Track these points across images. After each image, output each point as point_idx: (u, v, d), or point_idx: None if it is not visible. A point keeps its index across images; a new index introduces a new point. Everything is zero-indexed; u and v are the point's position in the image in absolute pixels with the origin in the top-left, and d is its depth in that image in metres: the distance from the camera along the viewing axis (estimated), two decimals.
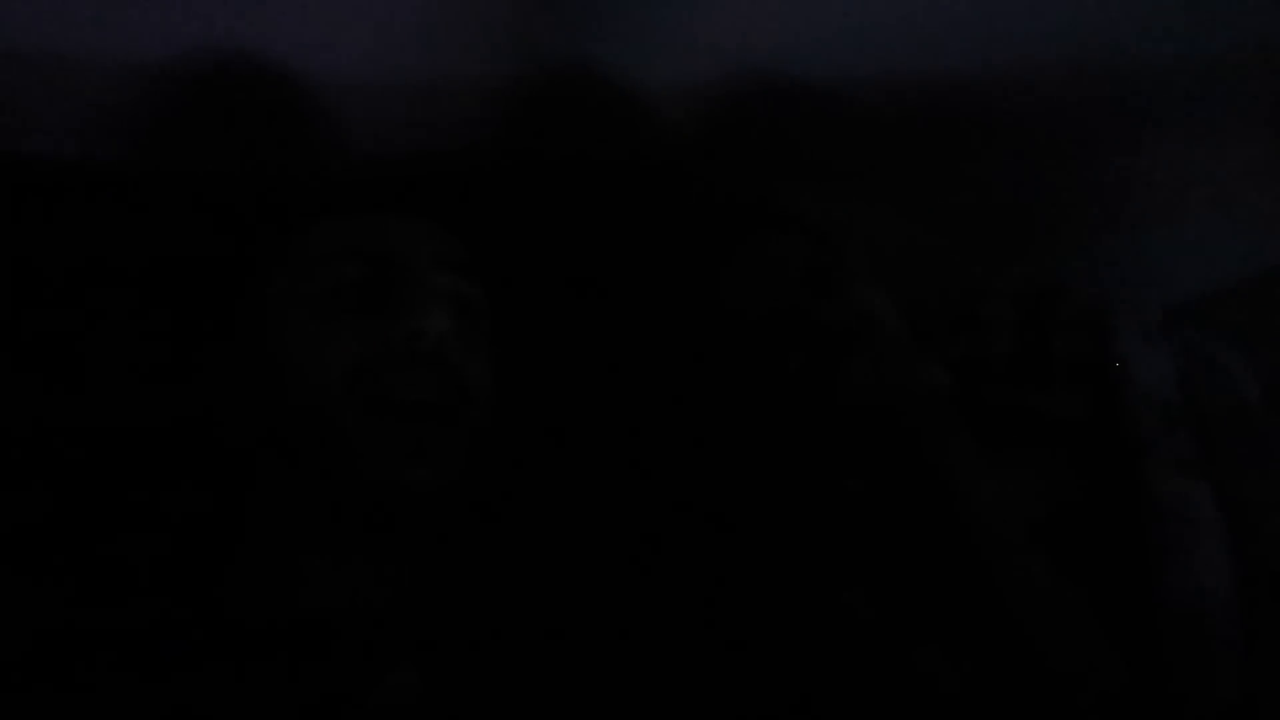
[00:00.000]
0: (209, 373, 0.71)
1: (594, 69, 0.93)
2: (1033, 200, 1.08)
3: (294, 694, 0.58)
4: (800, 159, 0.92)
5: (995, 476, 0.71)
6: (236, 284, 0.72)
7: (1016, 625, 0.66)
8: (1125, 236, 0.98)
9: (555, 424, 0.83)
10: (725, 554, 0.76)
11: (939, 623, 0.70)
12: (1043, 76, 0.98)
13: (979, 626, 0.67)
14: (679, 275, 0.78)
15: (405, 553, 0.66)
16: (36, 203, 0.81)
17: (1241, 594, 0.73)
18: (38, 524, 0.72)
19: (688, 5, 0.91)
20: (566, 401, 0.84)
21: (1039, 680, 0.65)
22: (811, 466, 0.79)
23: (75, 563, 0.71)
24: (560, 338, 0.86)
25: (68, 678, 0.58)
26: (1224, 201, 0.95)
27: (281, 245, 0.71)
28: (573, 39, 0.91)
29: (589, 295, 0.86)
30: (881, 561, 0.75)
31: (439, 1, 0.86)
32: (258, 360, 0.68)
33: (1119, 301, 0.87)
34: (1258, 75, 0.98)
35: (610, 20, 0.91)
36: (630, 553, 0.75)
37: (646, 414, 0.82)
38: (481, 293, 0.72)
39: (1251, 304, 0.98)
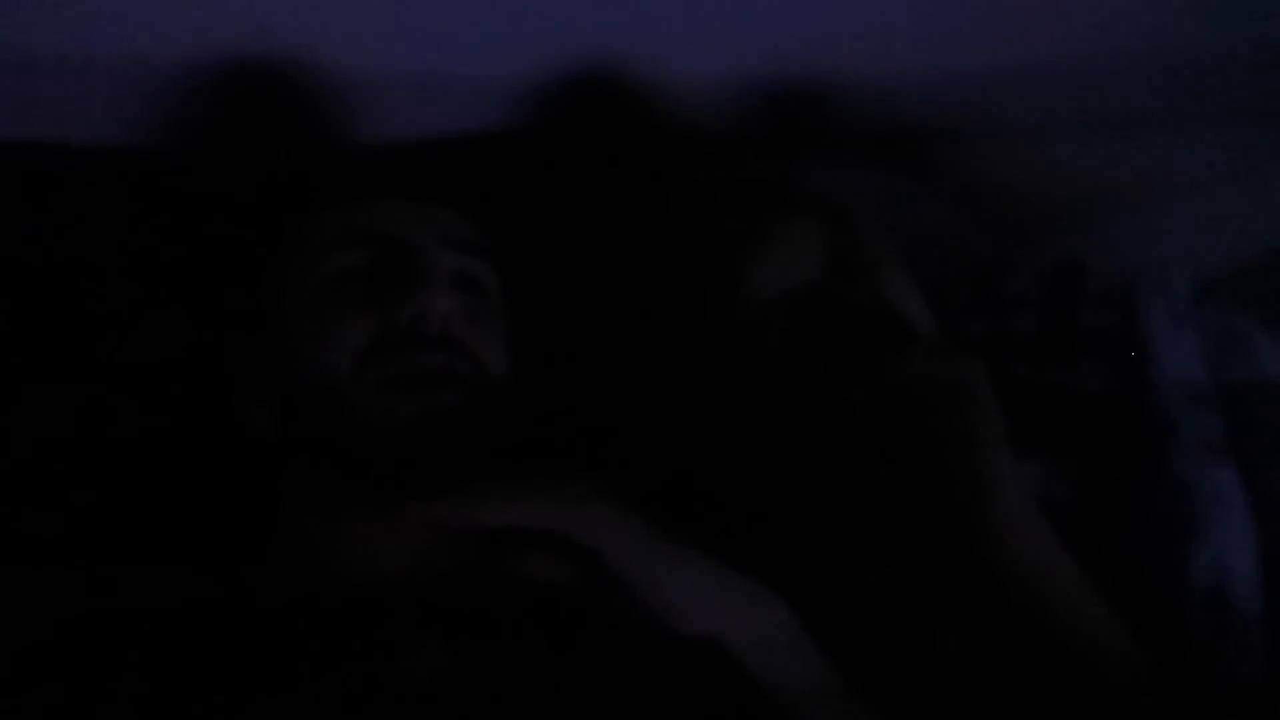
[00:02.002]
0: (233, 359, 0.72)
1: (613, 58, 0.93)
2: (1058, 179, 1.07)
3: (323, 670, 0.59)
4: (823, 143, 0.92)
5: (1021, 455, 0.71)
6: (252, 272, 0.72)
7: (1039, 609, 0.66)
8: (1152, 213, 0.97)
9: (576, 407, 0.84)
10: (750, 537, 0.76)
11: (962, 606, 0.70)
12: (1063, 65, 0.97)
13: (1000, 610, 0.67)
14: (700, 258, 0.78)
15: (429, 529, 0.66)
16: (49, 189, 0.82)
17: (1266, 575, 0.72)
18: (72, 515, 0.74)
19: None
20: (587, 384, 0.85)
21: (1059, 661, 0.65)
22: (836, 452, 0.79)
23: (112, 544, 0.73)
24: (579, 320, 0.87)
25: (104, 659, 0.58)
26: (1251, 178, 0.93)
27: (293, 231, 0.72)
28: (592, 30, 0.90)
29: (609, 278, 0.86)
30: (906, 546, 0.75)
31: None
32: (274, 346, 0.69)
33: (1146, 279, 0.86)
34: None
35: (630, 11, 0.90)
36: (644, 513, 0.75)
37: (670, 398, 0.82)
38: (491, 270, 0.72)
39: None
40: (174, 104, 0.85)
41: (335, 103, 0.88)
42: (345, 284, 0.67)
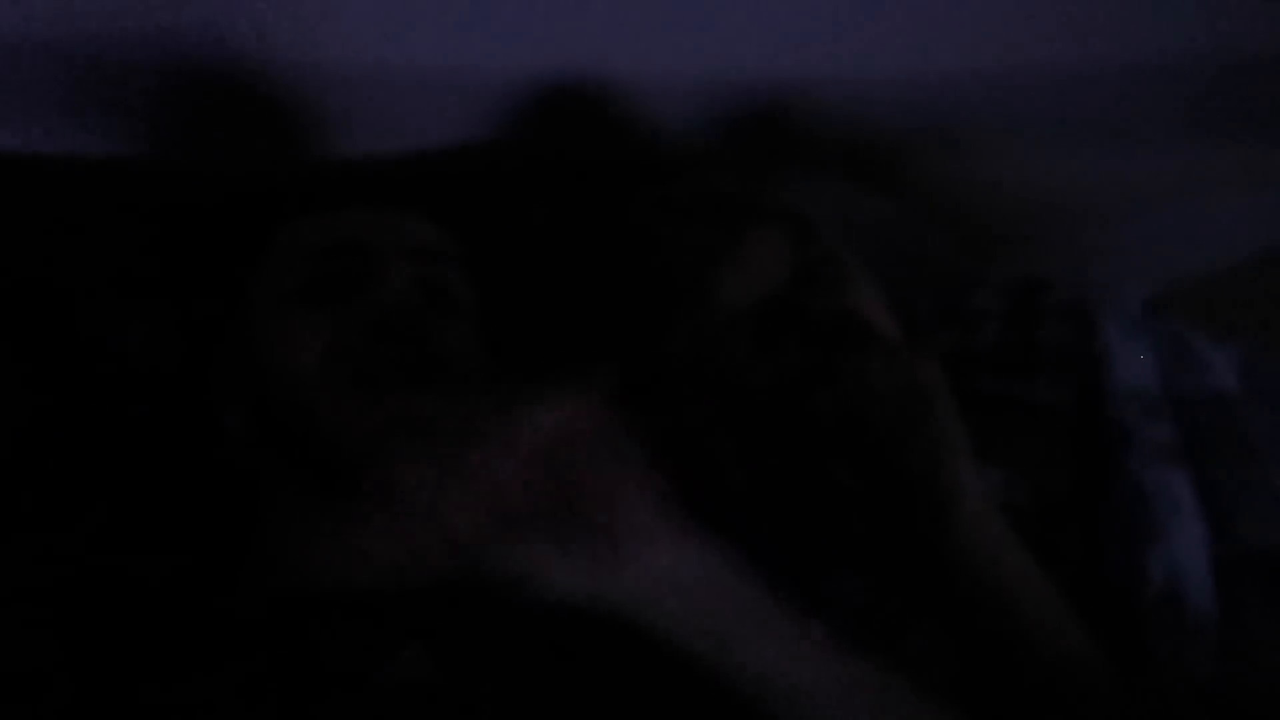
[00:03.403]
0: (213, 371, 0.73)
1: (586, 67, 0.94)
2: (1018, 195, 1.09)
3: (306, 672, 0.60)
4: (789, 156, 0.94)
5: (984, 463, 0.72)
6: (228, 281, 0.74)
7: (1003, 613, 0.67)
8: (1108, 229, 1.00)
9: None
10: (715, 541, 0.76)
11: (928, 611, 0.72)
12: (1025, 78, 0.99)
13: (966, 615, 0.68)
14: (669, 269, 0.78)
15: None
16: (28, 199, 0.82)
17: (1218, 576, 0.75)
18: (49, 522, 0.74)
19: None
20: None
21: (1025, 662, 0.66)
22: (802, 458, 0.80)
23: (90, 549, 0.72)
24: (546, 330, 0.87)
25: (89, 663, 0.59)
26: (1203, 195, 0.96)
27: (265, 242, 0.74)
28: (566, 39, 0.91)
29: (573, 288, 0.87)
30: (872, 551, 0.76)
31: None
32: (247, 355, 0.70)
33: (1101, 294, 0.88)
34: (1236, 77, 1.00)
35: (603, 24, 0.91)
36: None
37: (635, 404, 0.83)
38: (457, 279, 0.74)
39: (1230, 294, 1.00)
40: (157, 111, 0.85)
41: (313, 109, 0.89)
42: (311, 291, 0.69)
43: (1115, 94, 1.00)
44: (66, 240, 0.82)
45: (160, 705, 0.58)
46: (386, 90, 0.89)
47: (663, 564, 0.54)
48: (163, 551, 0.69)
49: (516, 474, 0.52)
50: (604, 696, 0.62)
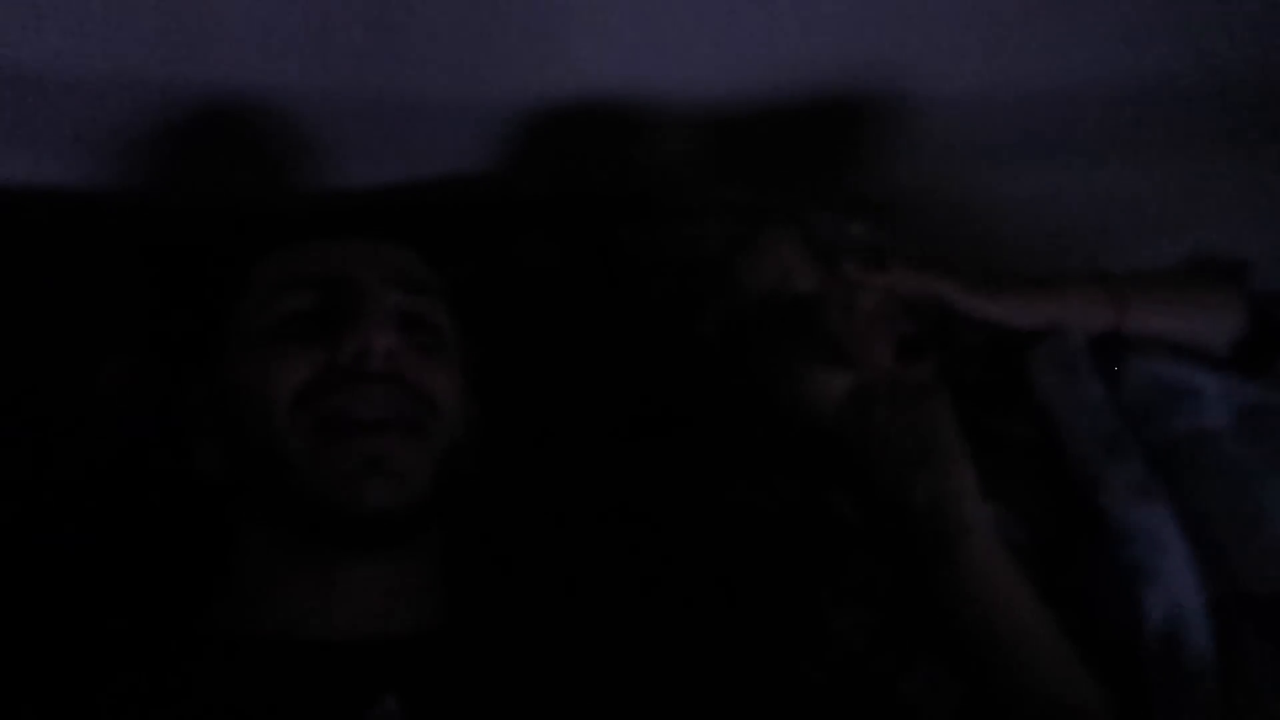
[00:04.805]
0: (187, 399, 0.71)
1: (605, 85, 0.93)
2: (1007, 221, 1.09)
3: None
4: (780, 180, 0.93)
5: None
6: (208, 313, 0.71)
7: (1003, 652, 0.65)
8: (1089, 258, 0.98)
9: (537, 429, 0.83)
10: (712, 569, 0.75)
11: (934, 646, 0.70)
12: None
13: (966, 653, 0.67)
14: (691, 260, 0.81)
15: (384, 575, 0.65)
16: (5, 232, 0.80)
17: (1215, 615, 0.73)
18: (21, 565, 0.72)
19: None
20: (549, 405, 0.84)
21: (1029, 700, 0.65)
22: (804, 492, 0.79)
23: (62, 587, 0.70)
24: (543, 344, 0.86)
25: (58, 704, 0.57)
26: (1203, 216, 0.95)
27: (246, 273, 0.71)
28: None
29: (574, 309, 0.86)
30: (872, 587, 0.74)
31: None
32: (223, 388, 0.68)
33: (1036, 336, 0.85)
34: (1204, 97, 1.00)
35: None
36: (615, 565, 0.75)
37: (635, 414, 0.82)
38: (443, 310, 0.72)
39: None
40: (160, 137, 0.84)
41: (314, 136, 0.88)
42: (289, 325, 0.67)
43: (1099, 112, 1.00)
44: (43, 275, 0.80)
45: None
46: (383, 116, 0.88)
47: None
48: (130, 590, 0.68)
49: None
50: None
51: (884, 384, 0.72)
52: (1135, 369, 0.83)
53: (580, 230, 0.92)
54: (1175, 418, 0.80)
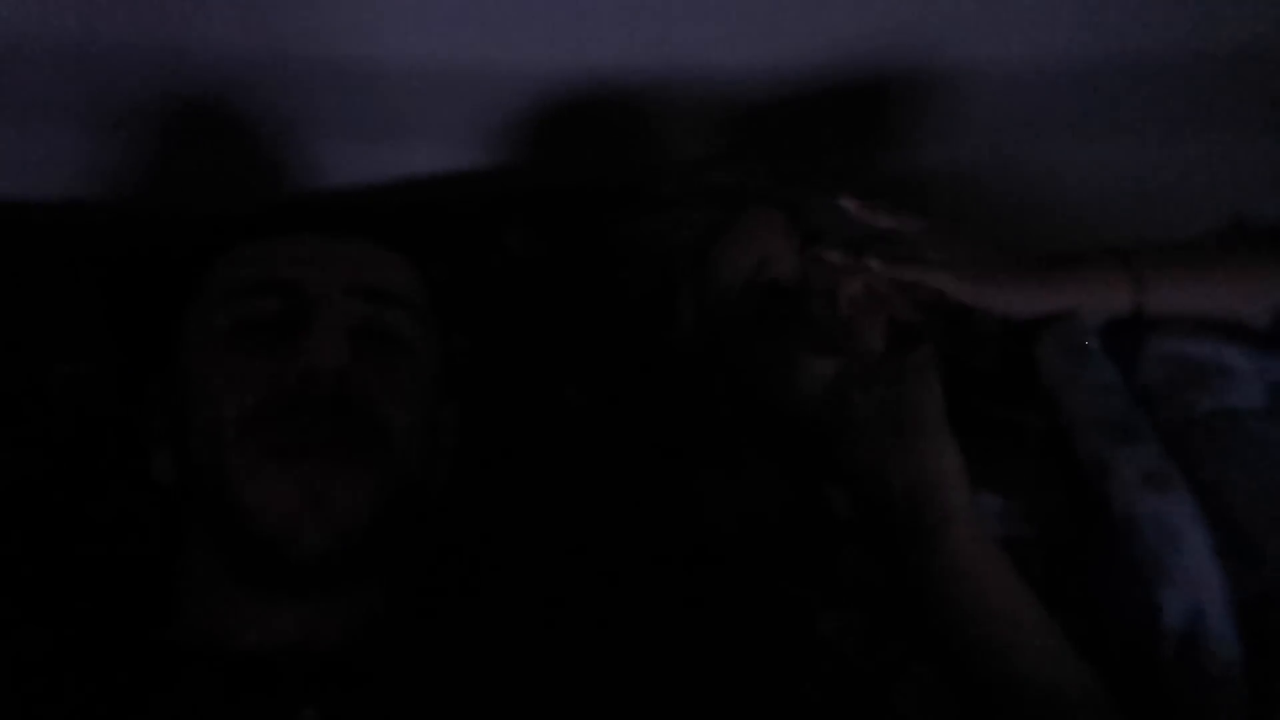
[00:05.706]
0: (144, 408, 0.70)
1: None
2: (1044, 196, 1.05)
3: None
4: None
5: (982, 488, 0.68)
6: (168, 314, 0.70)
7: (989, 644, 0.62)
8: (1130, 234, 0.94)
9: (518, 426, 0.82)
10: (701, 579, 0.74)
11: (926, 652, 0.67)
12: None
13: (952, 647, 0.64)
14: (671, 249, 0.80)
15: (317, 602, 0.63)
16: None
17: (1243, 614, 0.68)
18: None
19: None
20: (531, 401, 0.83)
21: (1022, 702, 0.62)
22: (795, 486, 0.77)
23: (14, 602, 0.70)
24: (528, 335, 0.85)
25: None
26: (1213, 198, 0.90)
27: (201, 274, 0.69)
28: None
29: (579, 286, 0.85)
30: (862, 588, 0.72)
31: None
32: (176, 395, 0.66)
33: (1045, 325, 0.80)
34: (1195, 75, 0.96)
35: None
36: (589, 575, 0.73)
37: (619, 411, 0.81)
38: (409, 319, 0.68)
39: None
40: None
41: (308, 107, 0.87)
42: (240, 335, 0.64)
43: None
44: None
45: None
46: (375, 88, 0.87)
47: None
48: (77, 598, 0.67)
49: None
50: None
51: (861, 369, 0.69)
52: (1154, 348, 0.77)
53: (568, 222, 0.91)
54: (1199, 397, 0.75)
